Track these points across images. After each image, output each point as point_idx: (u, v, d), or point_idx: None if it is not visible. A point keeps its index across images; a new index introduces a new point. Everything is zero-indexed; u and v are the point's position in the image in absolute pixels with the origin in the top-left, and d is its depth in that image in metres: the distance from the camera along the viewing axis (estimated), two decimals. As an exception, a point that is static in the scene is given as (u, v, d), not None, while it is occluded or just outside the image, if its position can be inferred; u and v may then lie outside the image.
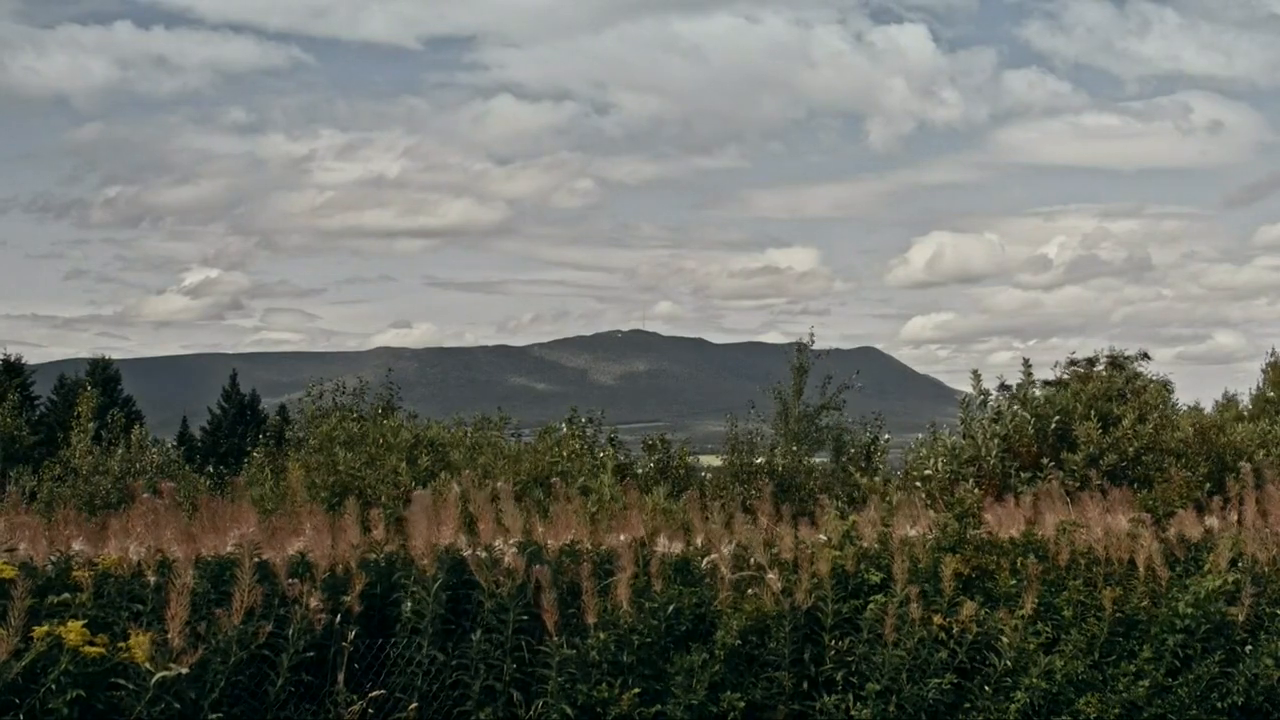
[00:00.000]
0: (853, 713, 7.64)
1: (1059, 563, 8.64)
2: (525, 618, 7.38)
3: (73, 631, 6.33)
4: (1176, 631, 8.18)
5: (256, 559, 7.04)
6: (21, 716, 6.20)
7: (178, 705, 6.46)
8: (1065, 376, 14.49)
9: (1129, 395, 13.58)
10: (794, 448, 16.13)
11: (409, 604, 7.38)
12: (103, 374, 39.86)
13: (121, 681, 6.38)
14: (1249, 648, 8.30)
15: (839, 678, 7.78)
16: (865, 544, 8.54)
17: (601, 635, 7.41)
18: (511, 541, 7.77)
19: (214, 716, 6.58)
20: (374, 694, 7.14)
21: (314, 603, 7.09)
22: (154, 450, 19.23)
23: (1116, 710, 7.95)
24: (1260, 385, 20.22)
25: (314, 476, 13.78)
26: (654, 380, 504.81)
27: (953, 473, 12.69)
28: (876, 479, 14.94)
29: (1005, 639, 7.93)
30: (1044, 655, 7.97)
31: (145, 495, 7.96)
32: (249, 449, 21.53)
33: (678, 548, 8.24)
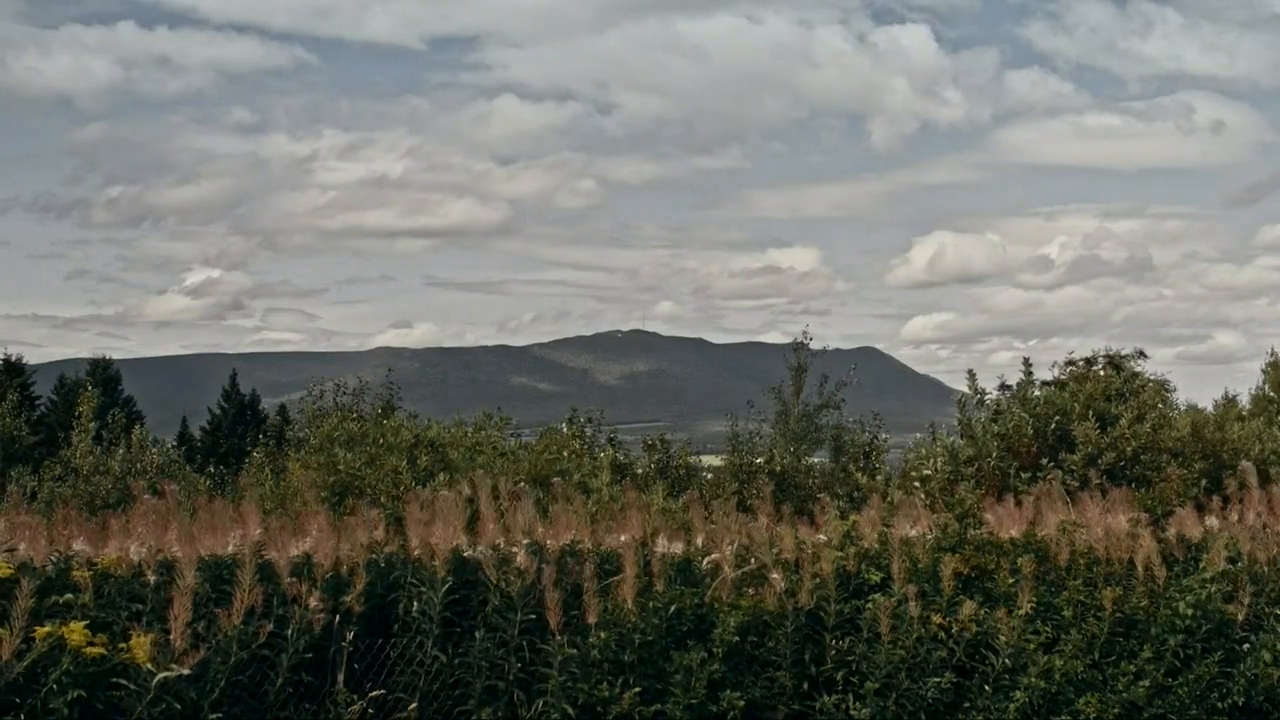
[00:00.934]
0: (852, 712, 7.66)
1: (1059, 563, 8.65)
2: (532, 617, 7.40)
3: (75, 632, 6.33)
4: (1177, 632, 8.20)
5: (259, 559, 7.06)
6: (23, 717, 6.21)
7: (178, 706, 6.46)
8: (1064, 376, 14.50)
9: (1128, 395, 13.59)
10: (793, 448, 16.13)
11: (414, 604, 7.39)
12: (103, 374, 39.91)
13: (122, 682, 6.38)
14: (1248, 647, 8.32)
15: (839, 677, 7.79)
16: (865, 544, 8.56)
17: (603, 635, 7.43)
18: (525, 541, 7.79)
19: (214, 717, 6.59)
20: (374, 694, 7.16)
21: (314, 603, 7.10)
22: (154, 450, 19.23)
23: (1116, 710, 7.96)
24: (1260, 385, 20.27)
25: (314, 476, 13.79)
26: (654, 380, 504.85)
27: (952, 472, 12.70)
28: (878, 478, 14.96)
29: (1004, 638, 7.95)
30: (1043, 655, 7.98)
31: (146, 496, 7.97)
32: (249, 449, 21.55)
33: (678, 548, 8.26)
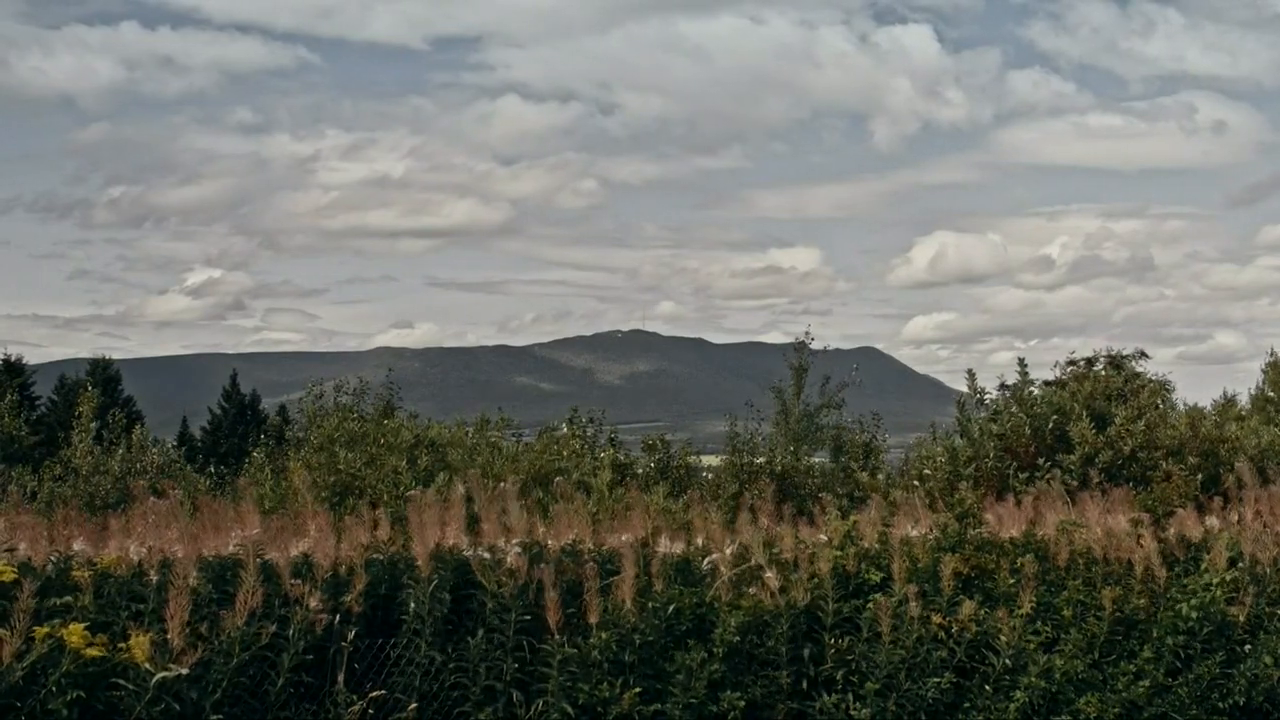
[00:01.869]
0: (852, 712, 7.66)
1: (1059, 562, 8.65)
2: (528, 618, 7.40)
3: (74, 634, 6.33)
4: (1179, 633, 8.20)
5: (260, 559, 7.07)
6: (23, 718, 6.21)
7: (178, 706, 6.46)
8: (1064, 376, 14.49)
9: (1126, 395, 13.58)
10: (794, 448, 16.12)
11: (412, 605, 7.39)
12: (103, 374, 39.88)
13: (122, 682, 6.39)
14: (1249, 647, 8.32)
15: (839, 677, 7.79)
16: (865, 544, 8.57)
17: (603, 635, 7.43)
18: (514, 542, 7.79)
19: (215, 717, 6.59)
20: (374, 694, 7.16)
21: (314, 603, 7.10)
22: (154, 450, 19.22)
23: (1116, 710, 7.97)
24: (1260, 385, 20.26)
25: (315, 476, 13.79)
26: (654, 380, 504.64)
27: (952, 472, 12.69)
28: (879, 477, 14.95)
29: (1004, 638, 7.95)
30: (1043, 654, 7.99)
31: (147, 495, 7.98)
32: (249, 449, 21.54)
33: (679, 548, 8.27)
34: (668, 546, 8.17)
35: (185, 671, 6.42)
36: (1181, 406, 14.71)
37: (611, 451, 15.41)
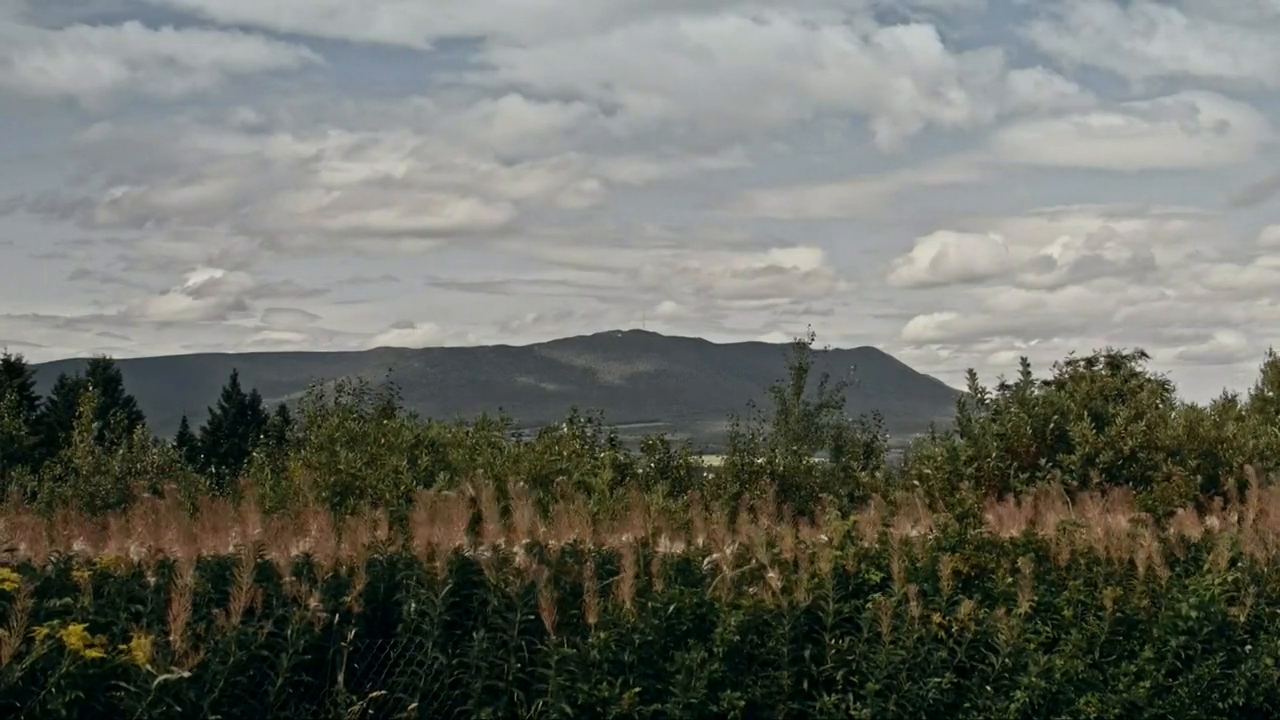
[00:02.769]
0: (852, 712, 7.65)
1: (1059, 562, 8.65)
2: (531, 618, 7.40)
3: (74, 635, 6.32)
4: (1180, 633, 8.19)
5: (260, 559, 7.06)
6: (22, 718, 6.21)
7: (178, 708, 6.45)
8: (1064, 376, 14.49)
9: (1126, 395, 13.58)
10: (794, 447, 16.14)
11: (413, 604, 7.39)
12: (103, 374, 39.91)
13: (122, 684, 6.37)
14: (1249, 648, 8.32)
15: (839, 677, 7.79)
16: (866, 544, 8.56)
17: (603, 634, 7.43)
18: (521, 543, 7.79)
19: (214, 718, 6.58)
20: (374, 694, 7.16)
21: (314, 603, 7.10)
22: (155, 450, 19.21)
23: (1116, 710, 7.96)
24: (1260, 385, 20.23)
25: (315, 476, 13.79)
26: (655, 380, 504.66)
27: (952, 472, 12.69)
28: (879, 476, 14.96)
29: (1004, 638, 7.94)
30: (1043, 654, 7.98)
31: (147, 495, 7.97)
32: (250, 449, 21.53)
33: (679, 548, 8.27)
34: (668, 546, 8.16)
35: (186, 674, 6.41)
36: (1180, 406, 14.71)
37: (612, 451, 15.42)
